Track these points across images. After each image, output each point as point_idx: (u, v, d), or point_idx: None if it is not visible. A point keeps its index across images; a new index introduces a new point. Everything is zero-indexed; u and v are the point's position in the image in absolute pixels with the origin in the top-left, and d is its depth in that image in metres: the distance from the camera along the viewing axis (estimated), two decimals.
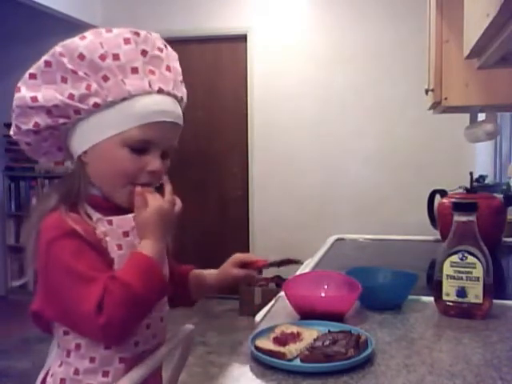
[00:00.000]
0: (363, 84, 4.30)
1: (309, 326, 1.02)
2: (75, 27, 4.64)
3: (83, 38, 0.95)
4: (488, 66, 1.16)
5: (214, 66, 4.63)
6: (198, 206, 4.69)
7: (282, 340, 0.94)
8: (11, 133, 1.01)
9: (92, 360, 0.95)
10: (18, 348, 3.58)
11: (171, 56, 1.04)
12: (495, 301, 1.14)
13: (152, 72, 0.97)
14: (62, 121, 0.96)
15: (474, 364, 0.89)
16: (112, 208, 0.99)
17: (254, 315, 1.34)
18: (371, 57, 4.27)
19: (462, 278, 1.12)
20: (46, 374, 1.02)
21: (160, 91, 0.97)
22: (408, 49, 4.07)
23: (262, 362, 0.89)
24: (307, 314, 1.10)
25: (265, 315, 1.19)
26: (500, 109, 2.06)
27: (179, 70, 1.05)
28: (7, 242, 4.90)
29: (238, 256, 1.18)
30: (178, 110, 1.02)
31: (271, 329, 1.01)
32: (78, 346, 0.95)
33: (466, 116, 2.17)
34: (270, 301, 1.33)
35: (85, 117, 0.95)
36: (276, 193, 4.51)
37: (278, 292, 1.33)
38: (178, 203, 1.00)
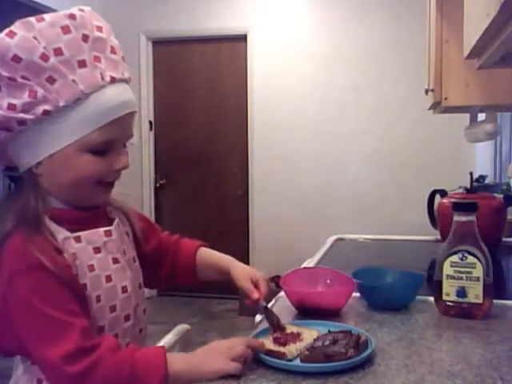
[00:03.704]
0: (363, 84, 4.29)
1: (309, 326, 1.02)
2: None
3: (12, 34, 0.80)
4: (488, 66, 1.16)
5: (214, 66, 4.63)
6: (198, 206, 4.69)
7: (281, 340, 0.94)
8: None
9: None
10: None
11: (109, 31, 0.91)
12: (495, 301, 1.14)
13: (98, 59, 0.84)
14: (2, 135, 0.83)
15: (474, 364, 0.89)
16: (79, 219, 0.89)
17: (254, 315, 1.34)
18: (371, 57, 4.27)
19: (461, 278, 1.12)
20: None
21: (112, 81, 0.85)
22: (408, 49, 4.06)
23: (262, 362, 0.89)
24: (303, 307, 1.13)
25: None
26: (500, 109, 2.06)
27: (119, 44, 0.92)
28: None
29: (257, 275, 1.07)
30: (132, 95, 0.90)
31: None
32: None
33: (466, 116, 2.17)
34: (270, 301, 1.32)
35: (32, 126, 0.82)
36: (276, 193, 4.50)
37: (277, 292, 1.33)
38: None
